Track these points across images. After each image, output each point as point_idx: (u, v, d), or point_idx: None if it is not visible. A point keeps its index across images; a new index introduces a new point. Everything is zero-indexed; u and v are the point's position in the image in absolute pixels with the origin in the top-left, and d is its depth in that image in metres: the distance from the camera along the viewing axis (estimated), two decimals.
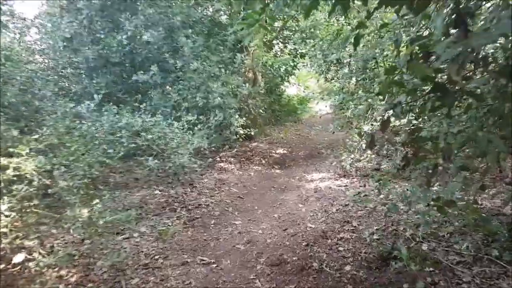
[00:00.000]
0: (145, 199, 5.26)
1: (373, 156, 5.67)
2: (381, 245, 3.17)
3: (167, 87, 7.38)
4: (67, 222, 3.14)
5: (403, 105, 1.78)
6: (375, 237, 3.42)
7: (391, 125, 5.66)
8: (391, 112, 2.04)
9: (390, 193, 4.91)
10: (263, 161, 7.54)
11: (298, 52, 13.05)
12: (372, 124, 5.36)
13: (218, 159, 7.25)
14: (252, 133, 7.52)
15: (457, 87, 1.60)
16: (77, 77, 7.97)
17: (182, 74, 7.23)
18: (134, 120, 5.29)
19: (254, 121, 8.48)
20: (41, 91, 6.02)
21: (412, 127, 1.82)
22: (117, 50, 7.32)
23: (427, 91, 1.81)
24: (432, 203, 2.06)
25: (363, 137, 3.63)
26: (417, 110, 1.94)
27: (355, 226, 3.99)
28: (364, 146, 5.56)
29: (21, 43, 7.27)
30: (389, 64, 5.36)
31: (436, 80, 1.70)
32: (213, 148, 7.12)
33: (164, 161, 5.04)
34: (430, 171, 1.76)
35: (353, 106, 5.42)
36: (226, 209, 4.95)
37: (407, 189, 3.89)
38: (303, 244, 3.55)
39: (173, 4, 7.58)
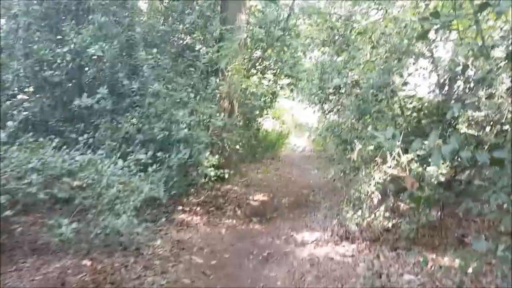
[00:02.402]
0: (64, 275, 3.53)
1: (387, 213, 4.26)
2: None
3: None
4: None
5: None
6: None
7: (412, 173, 4.33)
8: None
9: (420, 274, 3.46)
10: (238, 212, 5.94)
11: (277, 84, 11.85)
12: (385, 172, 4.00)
13: (180, 208, 5.60)
14: (226, 176, 5.98)
15: None
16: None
17: (140, 99, 5.71)
18: (55, 159, 3.66)
19: (228, 160, 6.95)
20: None
21: None
22: (57, 67, 5.76)
23: None
24: None
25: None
26: None
27: None
28: (375, 200, 4.15)
29: None
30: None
31: None
32: (174, 194, 5.50)
33: (90, 224, 3.35)
34: None
35: (361, 145, 4.06)
36: None
37: None
38: None
39: (134, 14, 6.20)
